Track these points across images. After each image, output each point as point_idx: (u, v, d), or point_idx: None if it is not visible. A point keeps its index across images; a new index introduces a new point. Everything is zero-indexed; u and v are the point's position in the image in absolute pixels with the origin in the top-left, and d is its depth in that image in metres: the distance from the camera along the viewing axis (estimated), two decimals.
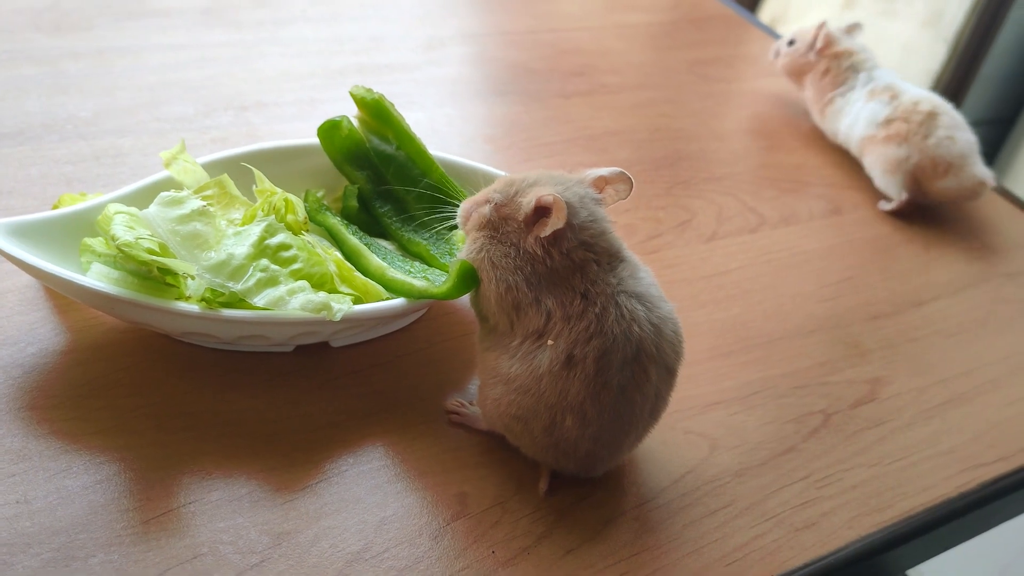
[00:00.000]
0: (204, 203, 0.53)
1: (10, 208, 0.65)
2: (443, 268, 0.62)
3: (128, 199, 0.59)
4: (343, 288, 0.56)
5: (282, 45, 0.95)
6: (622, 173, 0.54)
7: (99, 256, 0.53)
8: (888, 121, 0.91)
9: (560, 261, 0.51)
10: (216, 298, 0.51)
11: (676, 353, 0.53)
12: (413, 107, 0.88)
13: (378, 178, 0.66)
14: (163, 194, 0.53)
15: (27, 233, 0.54)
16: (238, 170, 0.63)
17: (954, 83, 1.70)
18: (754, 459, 0.60)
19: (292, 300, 0.51)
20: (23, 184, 0.68)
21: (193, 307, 0.51)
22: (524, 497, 0.54)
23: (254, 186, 0.61)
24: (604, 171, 0.55)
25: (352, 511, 0.50)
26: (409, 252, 0.64)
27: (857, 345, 0.72)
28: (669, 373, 0.52)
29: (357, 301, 0.55)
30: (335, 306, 0.52)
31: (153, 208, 0.52)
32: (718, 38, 1.20)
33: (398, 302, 0.56)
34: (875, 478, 0.60)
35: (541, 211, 0.51)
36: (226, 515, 0.49)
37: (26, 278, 0.60)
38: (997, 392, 0.70)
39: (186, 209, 0.53)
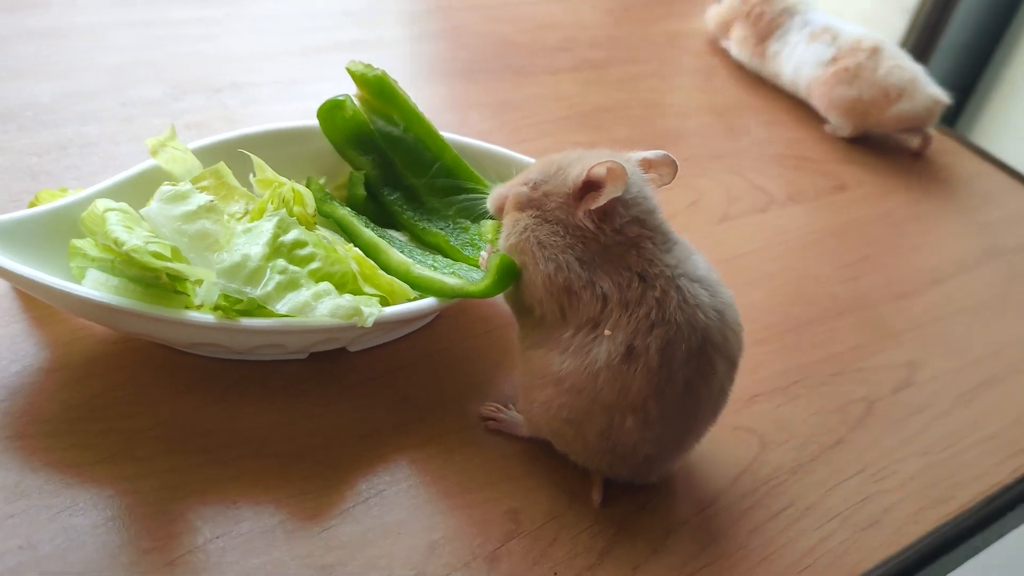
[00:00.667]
0: (211, 197, 0.47)
1: None
2: (466, 260, 0.56)
3: (113, 192, 0.52)
4: (367, 288, 0.50)
5: (251, 21, 0.88)
6: (667, 156, 0.50)
7: (93, 261, 0.46)
8: (834, 60, 0.92)
9: (613, 237, 0.46)
10: (233, 305, 0.45)
11: (739, 343, 0.48)
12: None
13: (384, 162, 0.60)
14: (163, 188, 0.47)
15: (4, 235, 0.47)
16: (229, 157, 0.56)
17: (915, 54, 1.69)
18: (806, 454, 0.56)
19: (319, 306, 0.46)
20: None
21: (207, 317, 0.45)
22: (579, 509, 0.49)
23: (251, 175, 0.55)
24: (649, 154, 0.50)
25: (397, 537, 0.45)
26: (425, 243, 0.59)
27: (886, 327, 0.69)
28: (732, 365, 0.48)
29: (383, 302, 0.50)
30: (365, 310, 0.46)
31: (154, 205, 0.46)
32: (695, 10, 1.16)
33: (429, 302, 0.50)
34: (928, 468, 0.57)
35: (591, 184, 0.46)
36: (260, 549, 0.43)
37: (1, 287, 0.53)
38: None
39: (191, 205, 0.46)
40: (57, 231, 0.50)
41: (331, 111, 0.59)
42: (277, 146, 0.59)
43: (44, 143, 0.64)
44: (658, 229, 0.47)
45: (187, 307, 0.46)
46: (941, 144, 0.99)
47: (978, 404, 0.64)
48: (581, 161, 0.47)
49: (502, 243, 0.49)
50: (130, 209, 0.49)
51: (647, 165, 0.50)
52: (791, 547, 0.50)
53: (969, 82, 1.81)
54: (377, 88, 0.60)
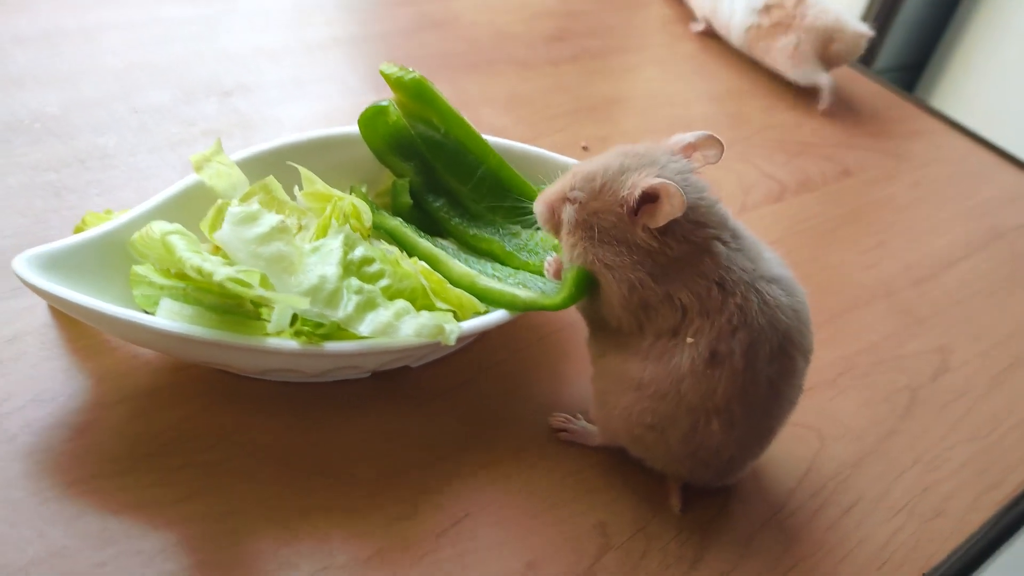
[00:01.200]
0: (281, 217, 0.45)
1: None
2: (523, 266, 0.55)
3: (158, 213, 0.50)
4: (439, 304, 0.49)
5: (246, 18, 0.84)
6: (711, 136, 0.48)
7: (161, 289, 0.44)
8: (767, 8, 0.97)
9: (680, 248, 0.45)
10: (315, 330, 0.44)
11: (812, 340, 0.48)
12: None
13: (426, 168, 0.59)
14: (232, 210, 0.45)
15: (58, 265, 0.45)
16: (267, 168, 0.54)
17: (875, 28, 1.73)
18: (864, 447, 0.57)
19: (402, 325, 0.44)
20: (3, 198, 0.57)
21: (291, 343, 0.43)
22: (662, 518, 0.49)
23: (296, 187, 0.53)
24: (690, 136, 0.49)
25: (496, 560, 0.45)
26: (476, 250, 0.57)
27: (912, 312, 0.70)
28: (807, 362, 0.48)
29: (456, 317, 0.49)
30: (447, 328, 0.45)
31: (227, 229, 0.44)
32: None
33: (500, 316, 0.49)
34: (977, 454, 0.59)
35: (647, 198, 0.44)
36: None
37: (41, 317, 0.50)
38: None
39: (264, 227, 0.44)
40: (105, 256, 0.47)
41: (373, 118, 0.57)
42: (317, 155, 0.57)
43: (60, 157, 0.61)
44: (723, 225, 0.46)
45: (265, 333, 0.44)
46: (929, 125, 1.01)
47: (1010, 386, 0.65)
48: (626, 176, 0.46)
49: (567, 263, 0.48)
50: (187, 231, 0.47)
51: (691, 149, 0.49)
52: (867, 543, 0.51)
53: (923, 57, 1.85)
54: (415, 91, 0.58)
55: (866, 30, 0.97)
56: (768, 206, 0.79)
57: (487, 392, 0.54)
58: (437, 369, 0.54)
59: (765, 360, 0.45)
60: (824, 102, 0.97)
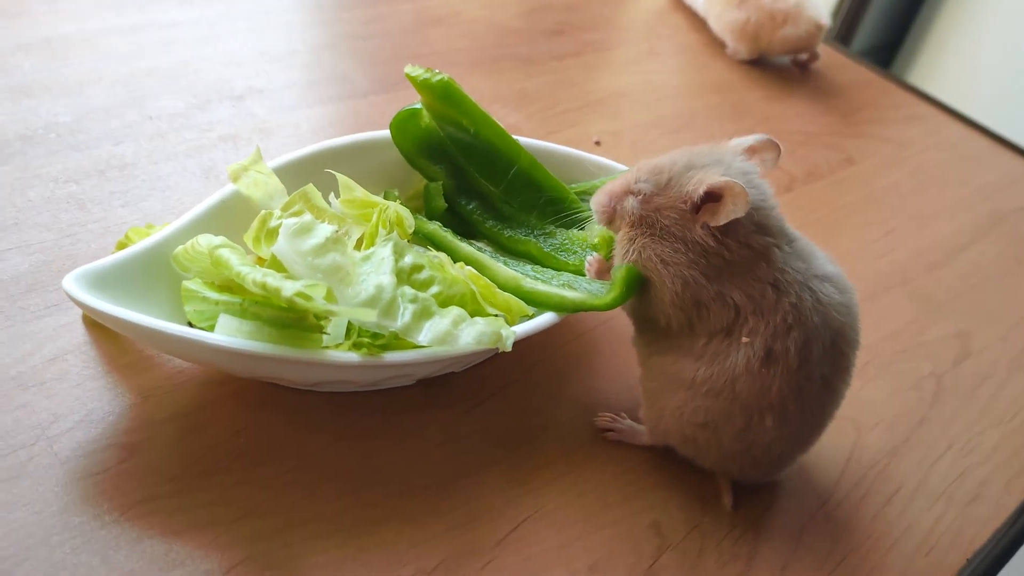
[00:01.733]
0: (335, 227, 0.45)
1: (26, 245, 0.53)
2: (562, 267, 0.55)
3: (198, 226, 0.49)
4: (488, 309, 0.48)
5: (246, 19, 0.83)
6: (769, 140, 0.49)
7: (216, 304, 0.43)
8: None
9: (739, 253, 0.45)
10: (375, 341, 0.43)
11: (859, 335, 0.49)
12: None
13: (456, 171, 0.58)
14: (287, 223, 0.44)
15: (106, 282, 0.44)
16: (298, 175, 0.54)
17: (852, 10, 1.74)
18: (898, 435, 0.58)
19: (461, 334, 0.44)
20: (27, 213, 0.56)
21: (352, 356, 0.43)
22: (714, 515, 0.49)
23: (332, 195, 0.53)
24: (750, 139, 0.49)
25: (557, 563, 0.45)
26: (512, 252, 0.57)
27: (929, 298, 0.71)
28: (855, 357, 0.49)
29: (506, 322, 0.49)
30: (504, 334, 0.45)
31: (283, 242, 0.43)
32: None
33: (550, 318, 0.49)
34: (1006, 437, 0.60)
35: (710, 197, 0.44)
36: None
37: (80, 335, 0.49)
38: None
39: (319, 238, 0.44)
40: (148, 271, 0.47)
41: (405, 121, 0.56)
42: (348, 160, 0.56)
43: (79, 168, 0.60)
44: (781, 232, 0.47)
45: (320, 345, 0.44)
46: (923, 111, 1.02)
47: None
48: (693, 172, 0.46)
49: (618, 260, 0.48)
50: (234, 244, 0.46)
51: (750, 152, 0.49)
52: (913, 531, 0.52)
53: (899, 37, 1.87)
54: (443, 93, 0.57)
55: (822, 20, 0.98)
56: (780, 196, 0.79)
57: (530, 394, 0.54)
58: (479, 373, 0.54)
59: (819, 357, 0.45)
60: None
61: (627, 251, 0.48)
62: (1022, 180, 0.92)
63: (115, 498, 0.42)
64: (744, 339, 0.45)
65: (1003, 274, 0.77)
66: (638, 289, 0.48)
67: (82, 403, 0.46)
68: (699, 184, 0.45)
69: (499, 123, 0.58)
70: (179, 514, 0.42)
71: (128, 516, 0.41)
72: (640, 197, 0.47)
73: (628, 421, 0.52)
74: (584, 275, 0.53)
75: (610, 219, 0.49)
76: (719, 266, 0.45)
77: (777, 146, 0.49)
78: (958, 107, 1.06)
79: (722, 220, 0.44)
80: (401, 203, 0.56)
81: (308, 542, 0.42)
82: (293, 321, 0.42)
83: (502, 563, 0.44)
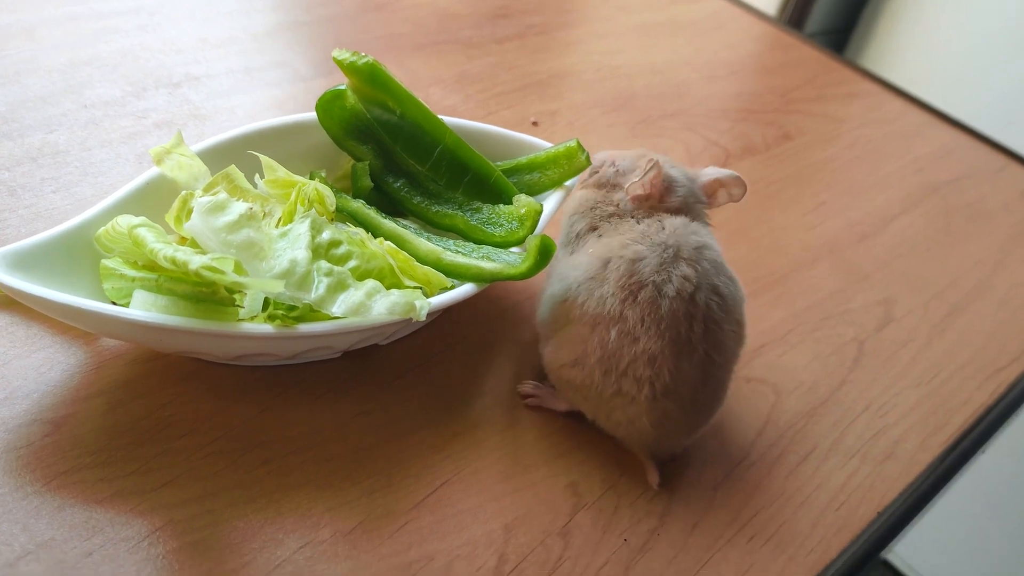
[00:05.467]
0: (249, 205, 0.46)
1: None
2: (487, 239, 0.56)
3: (121, 207, 0.50)
4: (407, 281, 0.50)
5: (187, 8, 0.84)
6: (738, 178, 0.55)
7: (132, 281, 0.44)
8: None
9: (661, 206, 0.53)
10: (288, 313, 0.45)
11: (737, 291, 0.51)
12: None
13: (383, 151, 0.60)
14: (200, 201, 0.45)
15: (26, 263, 0.45)
16: (226, 158, 0.55)
17: None
18: (816, 397, 0.60)
19: (374, 304, 0.46)
20: None
21: (267, 328, 0.44)
22: (630, 476, 0.51)
23: (257, 176, 0.54)
24: (720, 173, 0.55)
25: (473, 523, 0.46)
26: (440, 227, 0.58)
27: (856, 269, 0.73)
28: (719, 297, 0.49)
29: (424, 294, 0.50)
30: (418, 304, 0.46)
31: (196, 219, 0.45)
32: None
33: (469, 288, 0.51)
34: (922, 399, 0.62)
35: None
36: (346, 553, 0.43)
37: (6, 315, 0.50)
38: (984, 298, 0.74)
39: (233, 215, 0.45)
40: (70, 252, 0.48)
41: (330, 103, 0.57)
42: (275, 142, 0.57)
43: (12, 155, 0.61)
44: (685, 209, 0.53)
45: (238, 319, 0.45)
46: (864, 87, 1.04)
47: (950, 334, 0.69)
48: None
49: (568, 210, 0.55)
50: (153, 223, 0.47)
51: (716, 185, 0.55)
52: (824, 488, 0.53)
53: (851, 21, 1.90)
54: (369, 75, 0.58)
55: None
56: None
57: (455, 366, 0.55)
58: (405, 346, 0.55)
59: (652, 270, 0.47)
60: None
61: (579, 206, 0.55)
62: (956, 152, 0.95)
63: (38, 470, 0.43)
64: (589, 251, 0.50)
65: (930, 244, 0.79)
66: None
67: (7, 381, 0.47)
68: (639, 173, 0.54)
69: (436, 104, 0.60)
70: (101, 484, 0.43)
71: (51, 487, 0.43)
72: (616, 169, 0.56)
73: (551, 388, 0.54)
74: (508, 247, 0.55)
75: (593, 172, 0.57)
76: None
77: (744, 184, 0.55)
78: (909, 87, 1.08)
79: (638, 187, 0.52)
80: (328, 183, 0.57)
81: (228, 509, 0.44)
82: (207, 295, 0.43)
83: (418, 524, 0.45)
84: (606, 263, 0.48)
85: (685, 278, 0.47)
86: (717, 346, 0.48)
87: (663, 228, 0.50)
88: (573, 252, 0.52)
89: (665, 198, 0.52)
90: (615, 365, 0.47)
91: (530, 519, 0.47)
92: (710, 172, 0.55)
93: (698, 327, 0.47)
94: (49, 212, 0.57)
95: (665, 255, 0.48)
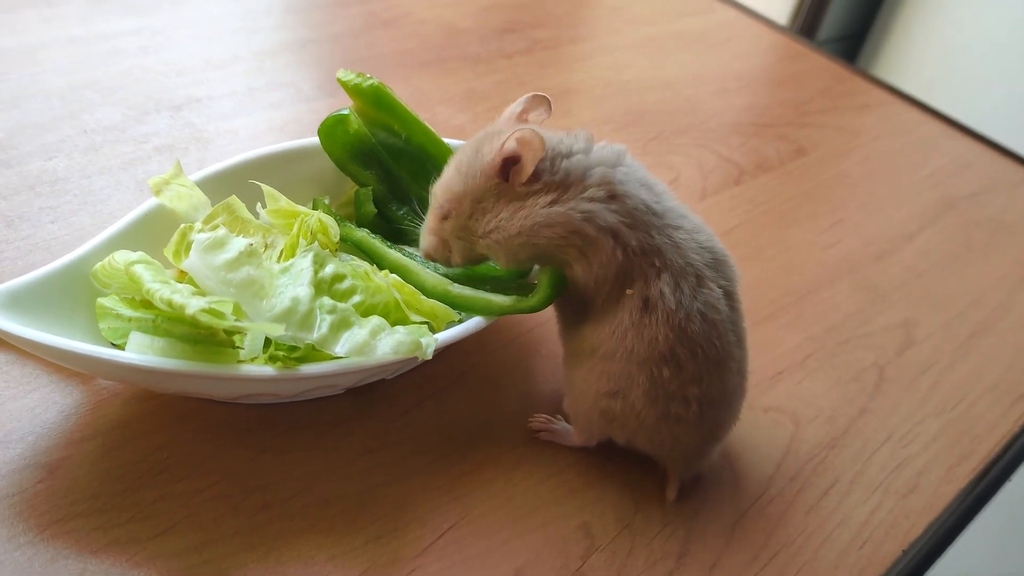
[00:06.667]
0: (250, 241, 0.44)
1: None
2: (492, 270, 0.55)
3: (120, 241, 0.49)
4: (413, 316, 0.48)
5: (190, 28, 0.83)
6: (535, 96, 0.52)
7: (129, 321, 0.43)
8: None
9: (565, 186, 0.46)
10: (290, 354, 0.43)
11: (732, 270, 0.49)
12: None
13: (388, 176, 0.58)
14: (198, 238, 0.44)
15: (20, 302, 0.43)
16: (227, 186, 0.54)
17: (816, 1, 1.74)
18: (837, 427, 0.58)
19: (379, 343, 0.44)
20: None
21: (266, 370, 0.42)
22: (646, 515, 0.49)
23: (259, 205, 0.53)
24: (519, 104, 0.52)
25: (482, 568, 0.45)
26: None
27: (874, 288, 0.71)
28: (730, 293, 0.48)
29: (429, 328, 0.49)
30: (423, 342, 0.45)
31: (194, 257, 0.43)
32: None
33: (477, 323, 0.49)
34: (946, 426, 0.60)
35: (509, 160, 0.46)
36: None
37: (6, 353, 0.49)
38: (1009, 317, 0.72)
39: (232, 252, 0.44)
40: (67, 288, 0.46)
41: (333, 127, 0.56)
42: (277, 168, 0.56)
43: (10, 184, 0.59)
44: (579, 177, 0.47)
45: (238, 359, 0.43)
46: (878, 97, 1.02)
47: (974, 356, 0.67)
48: (481, 154, 0.47)
49: (505, 263, 0.49)
50: (151, 259, 0.46)
51: (522, 116, 0.51)
52: (846, 524, 0.52)
53: (864, 27, 1.87)
54: (374, 98, 0.57)
55: None
56: (728, 190, 0.80)
57: (463, 398, 0.54)
58: (412, 379, 0.54)
59: (690, 294, 0.45)
60: None
61: (513, 253, 0.48)
62: (974, 164, 0.93)
63: (31, 519, 0.42)
64: (628, 291, 0.46)
65: (950, 261, 0.77)
66: (563, 289, 0.48)
67: (1, 424, 0.45)
68: (491, 153, 0.46)
69: (444, 124, 0.58)
70: (96, 533, 0.42)
71: (44, 537, 0.41)
72: (449, 217, 0.49)
73: (563, 423, 0.52)
74: (515, 283, 0.53)
75: (447, 253, 0.50)
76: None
77: (545, 99, 0.52)
78: (924, 95, 1.06)
79: (530, 168, 0.46)
80: (332, 210, 0.56)
81: (228, 558, 0.42)
82: (205, 337, 0.42)
83: (425, 572, 0.44)
84: (647, 303, 0.45)
85: (712, 303, 0.46)
86: (740, 340, 0.48)
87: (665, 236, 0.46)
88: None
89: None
90: (662, 392, 0.46)
91: (540, 563, 0.45)
92: (508, 113, 0.52)
93: (732, 331, 0.47)
94: (47, 243, 0.56)
95: (690, 274, 0.46)
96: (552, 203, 0.46)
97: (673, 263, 0.45)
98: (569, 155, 0.47)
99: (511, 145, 0.45)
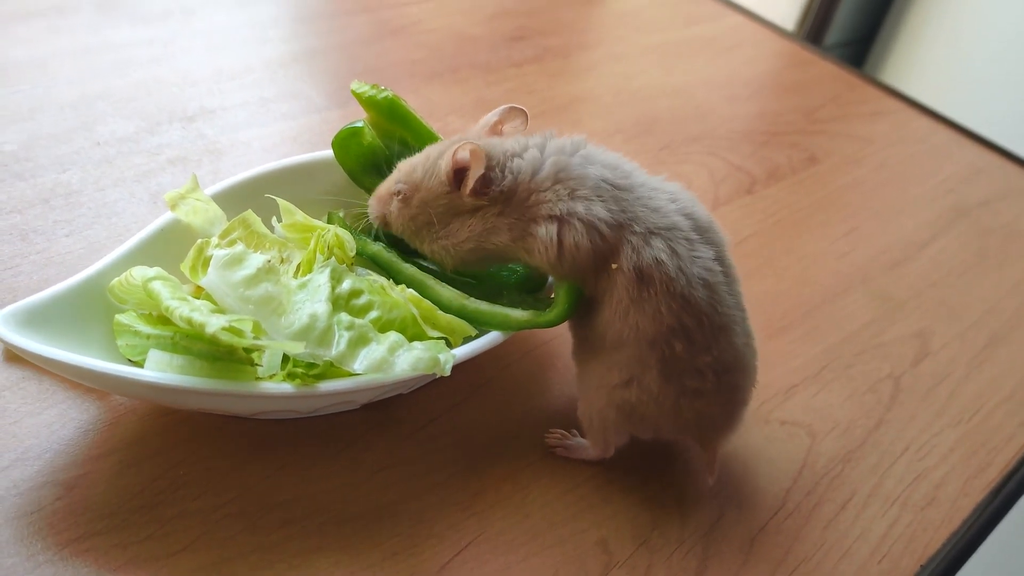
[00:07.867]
0: (267, 257, 0.44)
1: None
2: (506, 282, 0.55)
3: (136, 256, 0.49)
4: (431, 332, 0.48)
5: (201, 37, 0.83)
6: (512, 108, 0.53)
7: (147, 338, 0.43)
8: None
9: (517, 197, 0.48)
10: (309, 371, 0.43)
11: (716, 230, 0.49)
12: None
13: None
14: (217, 254, 0.44)
15: (37, 320, 0.43)
16: (240, 199, 0.54)
17: (823, 5, 1.74)
18: (853, 440, 0.57)
19: (397, 360, 0.44)
20: None
21: (285, 387, 0.42)
22: (663, 530, 0.49)
23: (275, 219, 0.53)
24: (494, 115, 0.52)
25: None
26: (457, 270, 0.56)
27: (890, 298, 0.71)
28: (723, 261, 0.48)
29: (448, 342, 0.48)
30: (442, 358, 0.45)
31: (213, 274, 0.43)
32: None
33: (494, 338, 0.49)
34: (963, 438, 0.60)
35: (459, 171, 0.48)
36: None
37: (19, 370, 0.49)
38: None
39: (250, 268, 0.43)
40: (84, 304, 0.46)
41: (347, 139, 0.56)
42: (292, 181, 0.56)
43: (24, 197, 0.59)
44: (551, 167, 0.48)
45: (256, 376, 0.43)
46: (889, 105, 1.02)
47: (990, 366, 0.66)
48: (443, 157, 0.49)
49: (446, 259, 0.51)
50: (168, 275, 0.46)
51: (498, 127, 0.53)
52: (865, 539, 0.51)
53: (872, 31, 1.87)
54: (388, 110, 0.57)
55: None
56: (740, 199, 0.79)
57: (478, 412, 0.53)
58: (427, 393, 0.54)
59: (686, 258, 0.45)
60: None
61: (435, 249, 0.51)
62: (986, 172, 0.92)
63: (49, 537, 0.42)
64: (613, 265, 0.46)
65: (964, 270, 0.77)
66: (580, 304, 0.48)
67: (18, 440, 0.45)
68: (445, 164, 0.48)
69: (455, 135, 0.58)
70: (115, 550, 0.42)
71: (63, 555, 0.41)
72: (400, 197, 0.50)
73: (579, 438, 0.52)
74: (532, 296, 0.53)
75: (385, 223, 0.52)
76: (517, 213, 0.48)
77: (522, 111, 0.53)
78: (932, 100, 1.06)
79: (471, 181, 0.47)
80: (346, 223, 0.56)
81: (246, 575, 0.42)
82: (224, 354, 0.42)
83: None
84: (640, 275, 0.45)
85: (708, 267, 0.46)
86: (739, 302, 0.48)
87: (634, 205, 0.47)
88: None
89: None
90: (675, 369, 0.45)
91: None
92: (483, 122, 0.53)
93: (730, 289, 0.47)
94: (62, 257, 0.55)
95: (680, 238, 0.46)
96: (500, 213, 0.48)
97: (656, 224, 0.45)
98: (523, 152, 0.48)
99: (462, 155, 0.47)
